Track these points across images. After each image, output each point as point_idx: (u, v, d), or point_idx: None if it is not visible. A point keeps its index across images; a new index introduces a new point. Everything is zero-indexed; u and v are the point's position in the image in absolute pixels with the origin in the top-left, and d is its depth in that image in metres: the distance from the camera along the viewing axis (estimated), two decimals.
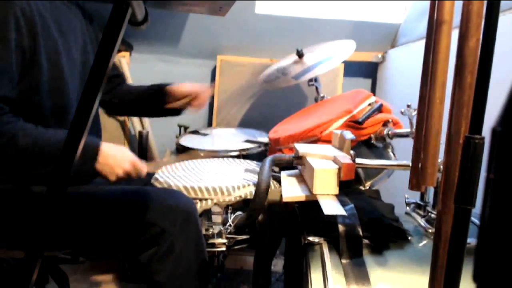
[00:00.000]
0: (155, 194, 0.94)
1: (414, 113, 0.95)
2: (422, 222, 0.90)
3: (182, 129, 1.97)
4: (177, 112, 1.23)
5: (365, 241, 0.80)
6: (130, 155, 0.94)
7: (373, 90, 2.21)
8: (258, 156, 1.46)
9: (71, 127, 0.55)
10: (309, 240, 0.81)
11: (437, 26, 0.51)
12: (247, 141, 1.58)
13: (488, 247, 0.44)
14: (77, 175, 0.69)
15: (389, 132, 1.10)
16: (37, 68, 0.87)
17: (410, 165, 0.59)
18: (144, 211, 0.89)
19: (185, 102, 1.19)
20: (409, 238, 0.83)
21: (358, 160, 0.84)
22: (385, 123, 1.13)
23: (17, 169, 0.86)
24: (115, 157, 0.91)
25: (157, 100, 1.19)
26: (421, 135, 0.55)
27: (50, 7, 0.93)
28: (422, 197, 0.95)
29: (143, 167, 0.95)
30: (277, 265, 1.68)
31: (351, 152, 0.86)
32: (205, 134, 1.75)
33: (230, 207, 1.02)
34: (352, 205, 0.86)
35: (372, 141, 1.14)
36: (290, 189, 0.89)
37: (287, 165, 1.01)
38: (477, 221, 0.84)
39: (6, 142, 0.81)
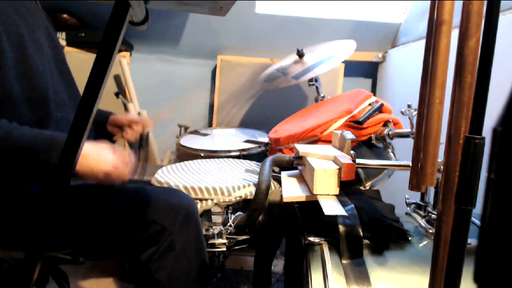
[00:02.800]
0: (156, 192, 0.93)
1: (415, 113, 0.95)
2: (422, 222, 0.90)
3: (183, 129, 1.98)
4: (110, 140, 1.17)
5: (366, 241, 0.80)
6: (112, 157, 0.85)
7: (374, 90, 2.21)
8: (258, 156, 1.46)
9: (72, 128, 0.54)
10: (310, 240, 0.81)
11: (437, 26, 0.51)
12: (247, 141, 1.58)
13: (489, 247, 0.43)
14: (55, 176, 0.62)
15: (390, 132, 1.09)
16: (0, 53, 0.83)
17: (410, 165, 0.59)
18: (144, 209, 0.88)
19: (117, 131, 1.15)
20: (410, 238, 0.83)
21: (358, 160, 0.84)
22: (386, 123, 1.13)
23: None
24: (96, 158, 0.83)
25: (100, 127, 1.16)
26: (421, 135, 0.55)
27: None
28: (422, 198, 0.94)
29: (125, 172, 0.87)
30: (278, 265, 1.68)
31: (352, 152, 0.86)
32: (205, 134, 1.75)
33: (230, 207, 1.02)
34: (352, 206, 0.86)
35: (372, 141, 1.13)
36: (291, 189, 0.89)
37: (287, 166, 1.01)
38: (477, 222, 0.84)
39: None
